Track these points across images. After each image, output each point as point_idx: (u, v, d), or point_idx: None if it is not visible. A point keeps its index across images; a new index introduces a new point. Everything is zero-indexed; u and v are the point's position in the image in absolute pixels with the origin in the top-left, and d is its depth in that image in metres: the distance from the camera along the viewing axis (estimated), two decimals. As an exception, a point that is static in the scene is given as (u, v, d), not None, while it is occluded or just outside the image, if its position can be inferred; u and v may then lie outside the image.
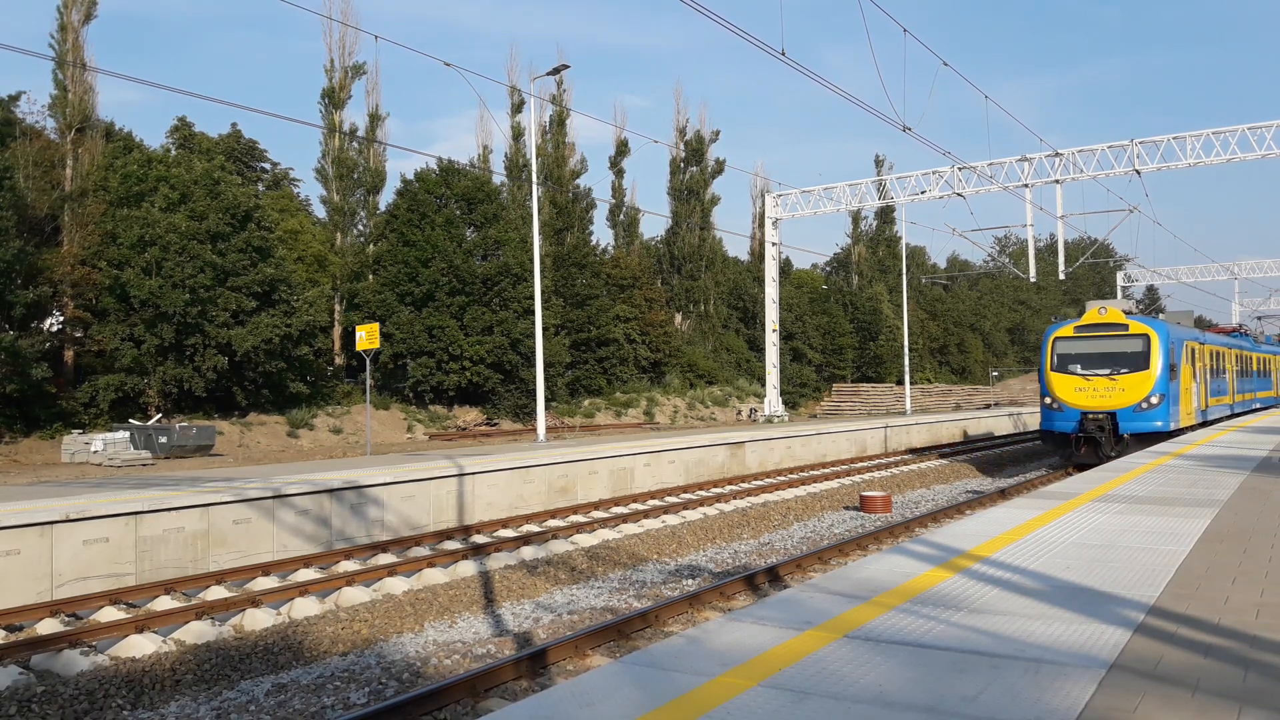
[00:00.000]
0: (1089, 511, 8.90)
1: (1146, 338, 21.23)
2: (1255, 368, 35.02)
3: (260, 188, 51.45)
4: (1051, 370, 22.06)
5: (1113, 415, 20.85)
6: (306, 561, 12.68)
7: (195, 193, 37.16)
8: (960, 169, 36.67)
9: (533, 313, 31.04)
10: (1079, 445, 21.20)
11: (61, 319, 36.73)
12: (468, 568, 12.53)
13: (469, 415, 46.87)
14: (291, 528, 13.49)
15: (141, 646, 9.06)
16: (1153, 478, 11.71)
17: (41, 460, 30.64)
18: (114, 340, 35.62)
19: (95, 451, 29.30)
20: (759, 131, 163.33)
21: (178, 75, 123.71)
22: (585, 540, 14.65)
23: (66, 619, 10.09)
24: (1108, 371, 21.33)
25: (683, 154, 69.15)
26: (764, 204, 48.69)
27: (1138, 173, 34.48)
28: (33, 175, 35.28)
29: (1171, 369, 21.14)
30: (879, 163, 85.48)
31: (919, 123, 45.41)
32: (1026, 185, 36.52)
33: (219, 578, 11.68)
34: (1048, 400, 22.03)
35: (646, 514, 16.85)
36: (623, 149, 66.78)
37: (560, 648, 8.39)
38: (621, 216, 67.22)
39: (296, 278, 41.42)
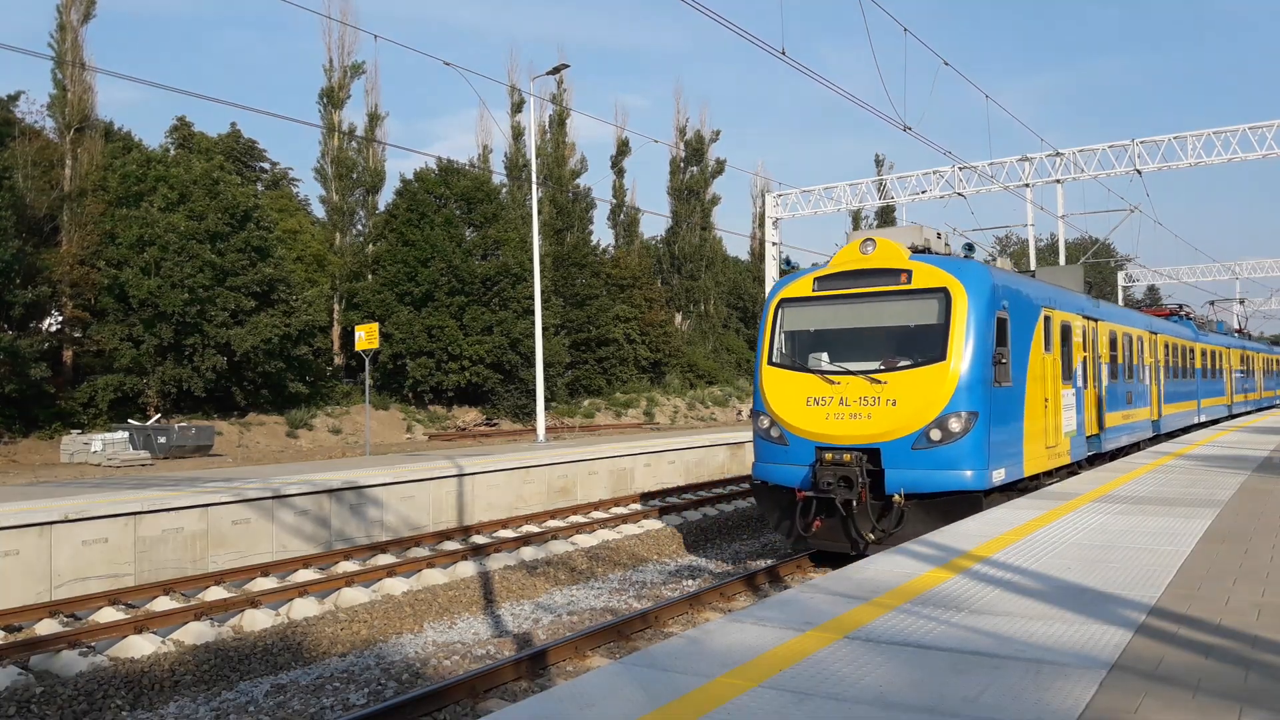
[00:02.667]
0: (1089, 512, 8.89)
1: (944, 295, 10.97)
2: (1198, 365, 24.16)
3: (259, 187, 51.41)
4: (770, 364, 11.92)
5: (873, 454, 10.83)
6: (306, 562, 12.66)
7: (194, 192, 37.15)
8: (961, 168, 36.66)
9: (532, 313, 31.01)
10: (809, 515, 11.12)
11: (60, 319, 36.71)
12: (467, 568, 12.52)
13: (468, 415, 46.85)
14: (291, 528, 13.48)
15: (140, 647, 9.05)
16: (1153, 478, 11.70)
17: (40, 460, 30.62)
18: (113, 340, 35.61)
19: (94, 452, 29.29)
20: (759, 131, 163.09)
21: (177, 75, 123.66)
22: (585, 540, 14.63)
23: (65, 619, 10.07)
24: (871, 366, 11.12)
25: (683, 154, 69.15)
26: (764, 204, 48.66)
27: (1139, 172, 34.46)
28: (32, 175, 35.28)
29: (998, 360, 11.01)
30: (879, 162, 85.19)
31: (919, 122, 45.43)
32: (1027, 185, 36.52)
33: (218, 578, 11.67)
34: (763, 423, 11.81)
35: (646, 514, 16.83)
36: (623, 149, 66.78)
37: (560, 648, 8.38)
38: (622, 216, 67.21)
39: (295, 277, 41.41)
